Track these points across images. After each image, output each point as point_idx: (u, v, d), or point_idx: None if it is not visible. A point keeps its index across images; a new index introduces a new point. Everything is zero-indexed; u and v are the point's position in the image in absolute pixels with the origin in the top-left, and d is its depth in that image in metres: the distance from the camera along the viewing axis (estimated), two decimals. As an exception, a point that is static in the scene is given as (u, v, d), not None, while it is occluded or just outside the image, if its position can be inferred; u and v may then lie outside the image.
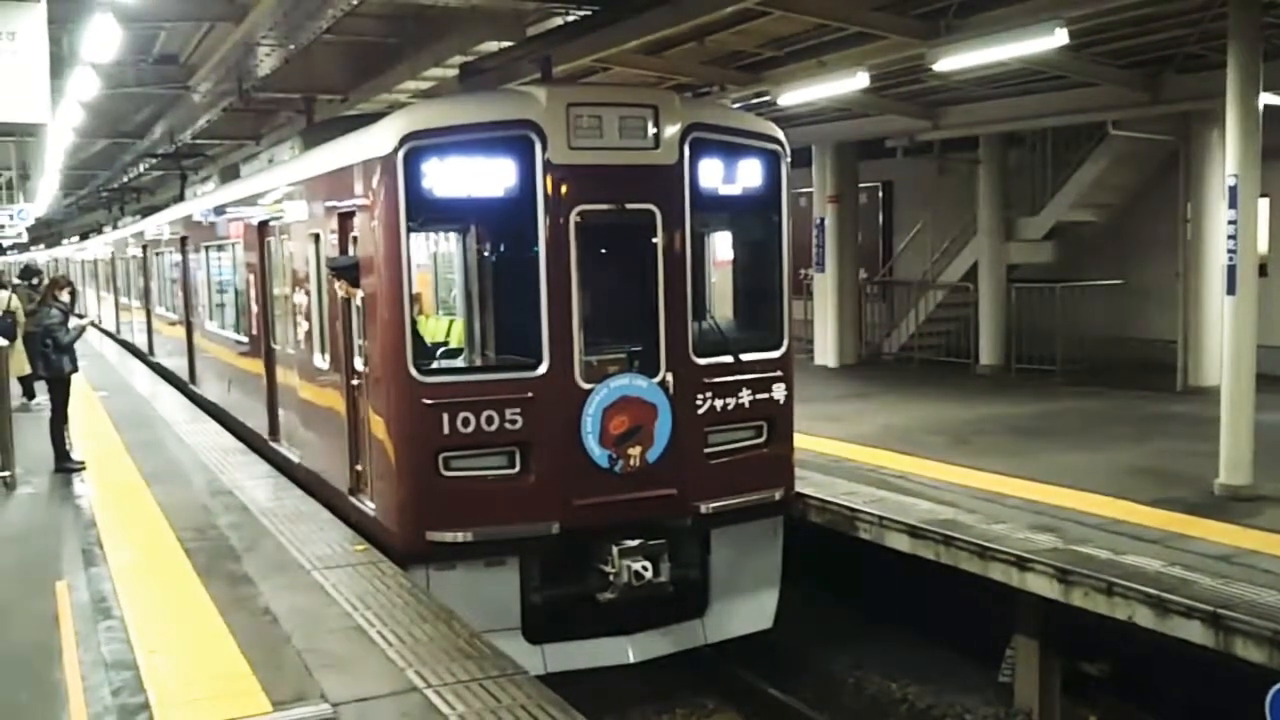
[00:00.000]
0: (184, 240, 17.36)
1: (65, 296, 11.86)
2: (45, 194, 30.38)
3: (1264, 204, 12.55)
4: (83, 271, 36.86)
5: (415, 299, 8.35)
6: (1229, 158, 9.18)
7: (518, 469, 8.13)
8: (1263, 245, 12.71)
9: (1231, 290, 9.13)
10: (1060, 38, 9.89)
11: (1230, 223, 9.10)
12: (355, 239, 8.70)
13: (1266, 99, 9.38)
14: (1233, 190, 9.07)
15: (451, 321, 10.54)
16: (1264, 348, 9.80)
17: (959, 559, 8.38)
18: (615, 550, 8.14)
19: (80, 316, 16.60)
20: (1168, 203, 15.62)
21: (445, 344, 9.94)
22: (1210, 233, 14.14)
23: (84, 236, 42.77)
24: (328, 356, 9.72)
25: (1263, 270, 12.16)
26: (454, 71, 15.41)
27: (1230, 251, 9.10)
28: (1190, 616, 6.75)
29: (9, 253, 49.25)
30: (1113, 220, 17.75)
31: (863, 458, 11.31)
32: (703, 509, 8.56)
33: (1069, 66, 13.43)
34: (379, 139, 8.13)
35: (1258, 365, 9.30)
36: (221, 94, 16.00)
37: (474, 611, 7.13)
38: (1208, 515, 8.68)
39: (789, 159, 9.14)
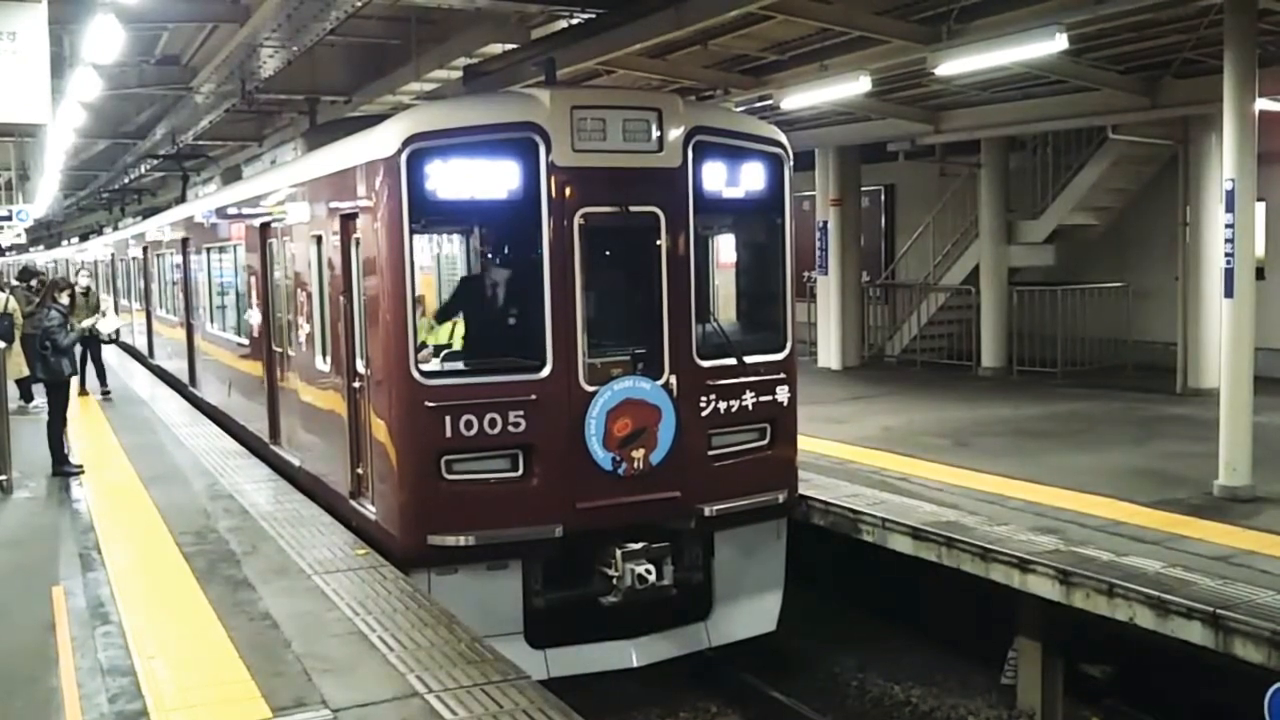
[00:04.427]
0: (185, 242, 17.34)
1: (64, 299, 11.84)
2: (45, 195, 30.35)
3: (1261, 208, 12.54)
4: (71, 274, 36.82)
5: (419, 301, 8.34)
6: (1226, 162, 9.20)
7: (521, 472, 8.12)
8: (1260, 249, 12.70)
9: (1229, 293, 9.15)
10: (1060, 43, 9.94)
11: (1227, 226, 9.11)
12: (358, 241, 8.70)
13: (1262, 104, 9.41)
14: (1230, 194, 9.08)
15: (454, 323, 10.52)
16: (1262, 350, 9.81)
17: (961, 561, 8.37)
18: (618, 553, 8.12)
19: (103, 315, 16.68)
20: (1167, 206, 15.64)
21: (448, 346, 9.91)
22: (1209, 236, 14.15)
23: (84, 238, 42.74)
24: (329, 359, 9.70)
25: (1260, 273, 12.15)
26: (458, 74, 15.43)
27: (1227, 255, 9.12)
28: (1190, 617, 6.76)
29: (8, 254, 49.24)
30: (1113, 223, 17.79)
31: (865, 460, 11.30)
32: (706, 511, 8.54)
33: (1069, 71, 13.45)
34: (382, 140, 8.12)
35: (1256, 367, 9.31)
36: (224, 95, 15.99)
37: (476, 615, 7.12)
38: (1207, 516, 8.69)
39: (792, 162, 9.14)
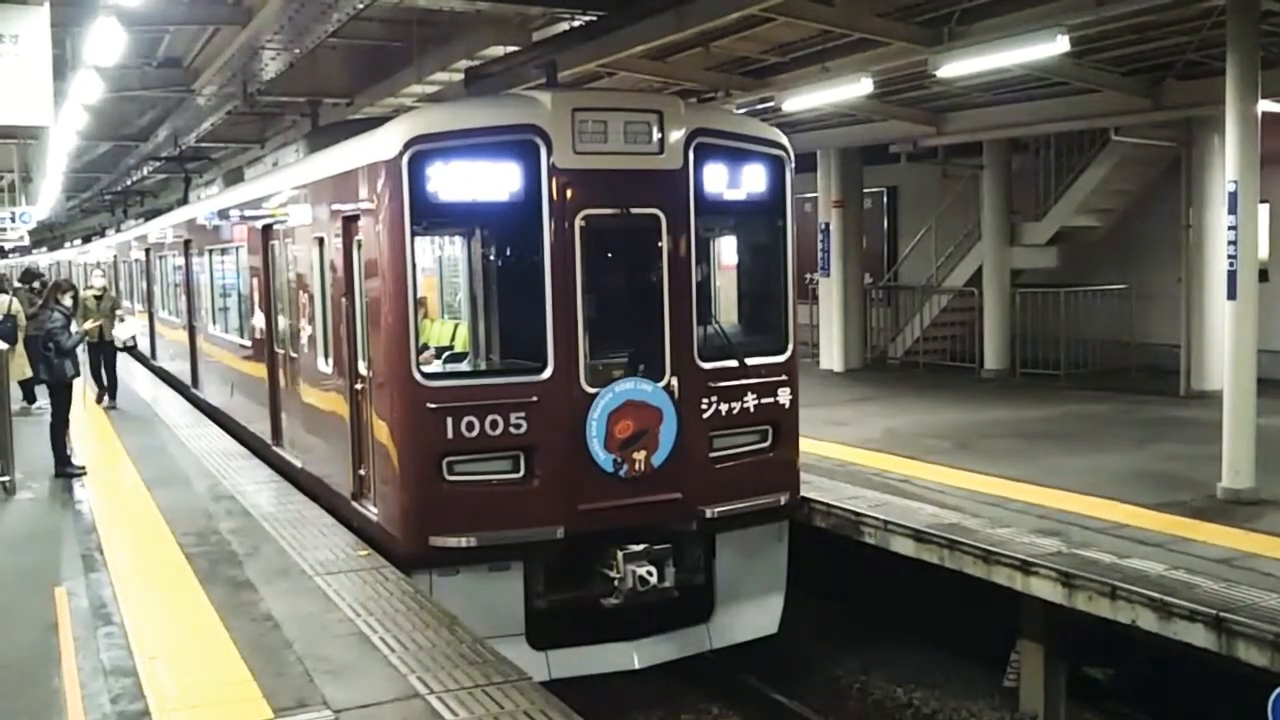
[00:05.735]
0: (187, 244, 17.35)
1: (67, 300, 11.84)
2: (47, 196, 30.41)
3: (1264, 210, 12.52)
4: (85, 274, 36.87)
5: (421, 302, 8.34)
6: (1228, 164, 9.20)
7: (522, 473, 8.12)
8: (1263, 250, 12.71)
9: (1232, 295, 9.14)
10: (1062, 44, 9.93)
11: (1230, 228, 9.11)
12: (359, 243, 8.70)
13: (1265, 105, 9.39)
14: (1232, 196, 9.08)
15: (456, 325, 10.54)
16: (1265, 352, 9.80)
17: (963, 563, 8.36)
18: (620, 555, 8.11)
19: (120, 319, 16.51)
20: (1170, 208, 15.63)
21: (450, 348, 9.93)
22: (1212, 238, 14.14)
23: (86, 240, 42.80)
24: (331, 360, 9.71)
25: (1264, 275, 12.14)
26: (459, 76, 15.45)
27: (1231, 257, 9.11)
28: (1193, 620, 6.74)
29: (10, 255, 49.29)
30: (1116, 226, 17.78)
31: (867, 462, 11.29)
32: (708, 513, 8.54)
33: (1071, 73, 13.44)
34: (384, 143, 8.13)
35: (1259, 369, 9.30)
36: (226, 97, 16.00)
37: (477, 617, 7.12)
38: (1210, 519, 8.68)
39: (793, 164, 9.14)
